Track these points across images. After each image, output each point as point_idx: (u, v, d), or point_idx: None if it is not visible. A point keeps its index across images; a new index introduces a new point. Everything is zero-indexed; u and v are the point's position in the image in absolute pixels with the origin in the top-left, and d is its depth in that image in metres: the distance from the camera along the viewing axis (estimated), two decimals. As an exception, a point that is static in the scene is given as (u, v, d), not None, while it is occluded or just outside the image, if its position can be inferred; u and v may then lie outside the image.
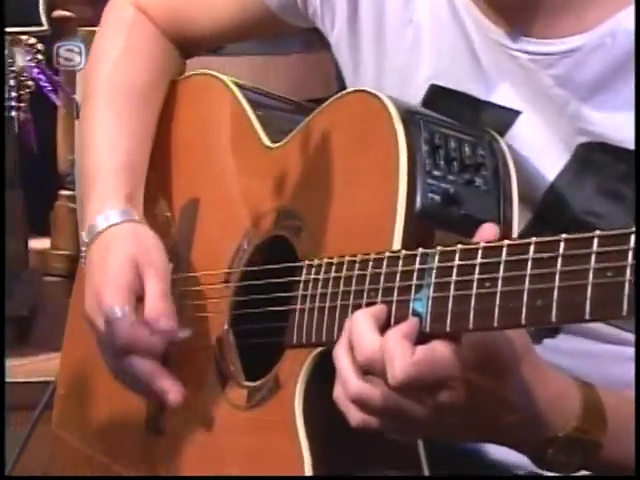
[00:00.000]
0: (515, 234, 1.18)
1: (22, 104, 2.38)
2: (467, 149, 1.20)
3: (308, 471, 1.17)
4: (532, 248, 0.97)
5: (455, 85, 1.27)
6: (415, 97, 1.28)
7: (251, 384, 1.28)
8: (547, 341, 1.24)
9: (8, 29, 1.15)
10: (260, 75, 1.84)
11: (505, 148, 1.22)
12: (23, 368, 2.28)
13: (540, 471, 1.15)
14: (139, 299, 1.34)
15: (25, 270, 2.66)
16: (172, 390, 1.31)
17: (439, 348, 1.02)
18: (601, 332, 1.22)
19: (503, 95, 1.25)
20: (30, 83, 2.37)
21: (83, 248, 1.42)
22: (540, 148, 1.24)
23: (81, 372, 1.49)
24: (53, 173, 2.88)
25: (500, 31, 1.23)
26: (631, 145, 1.19)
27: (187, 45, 1.52)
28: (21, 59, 2.25)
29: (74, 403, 1.52)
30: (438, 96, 1.28)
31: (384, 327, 1.06)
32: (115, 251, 1.37)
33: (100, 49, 1.55)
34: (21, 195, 2.65)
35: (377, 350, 1.04)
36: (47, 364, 2.21)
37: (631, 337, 1.21)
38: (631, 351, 1.21)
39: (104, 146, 1.47)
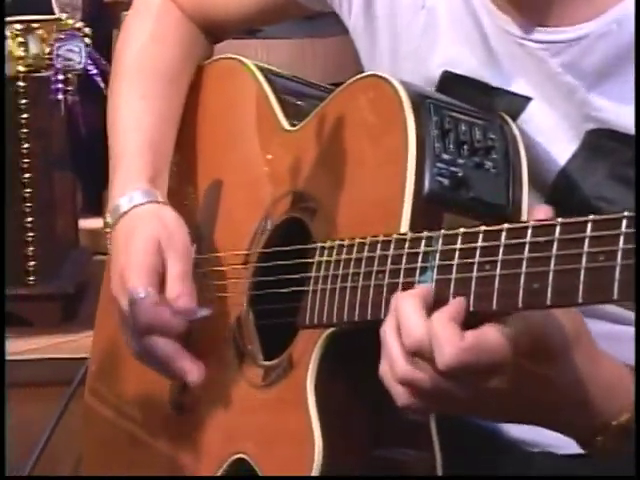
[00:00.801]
0: (524, 217, 1.16)
1: (69, 87, 2.40)
2: (478, 133, 1.19)
3: (318, 448, 1.17)
4: (529, 232, 0.96)
5: (468, 72, 1.27)
6: (429, 82, 1.28)
7: (267, 363, 1.28)
8: None
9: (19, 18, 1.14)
10: (298, 58, 1.83)
11: (517, 132, 1.22)
12: (68, 345, 2.29)
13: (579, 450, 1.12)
14: (162, 280, 1.34)
15: (74, 249, 2.68)
16: (192, 370, 1.31)
17: (491, 333, 0.99)
18: (619, 314, 1.21)
19: (514, 82, 1.25)
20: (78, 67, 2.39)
21: (107, 230, 1.42)
22: (550, 134, 1.24)
23: (111, 349, 1.50)
24: (105, 154, 2.91)
25: (510, 20, 1.23)
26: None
27: (213, 30, 1.53)
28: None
29: (104, 378, 1.53)
30: (451, 82, 1.28)
31: (430, 308, 1.03)
32: (139, 232, 1.37)
33: (129, 32, 1.55)
34: (70, 176, 2.67)
35: (424, 334, 1.01)
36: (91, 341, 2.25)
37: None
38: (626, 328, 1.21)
39: (129, 127, 1.47)
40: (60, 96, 2.35)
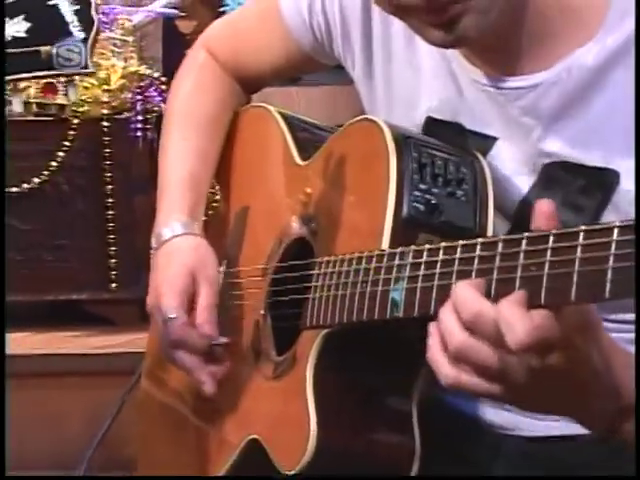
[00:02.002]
0: None
1: (149, 125, 2.42)
2: (451, 167, 1.19)
3: (313, 431, 1.17)
4: (478, 247, 0.97)
5: (446, 117, 1.26)
6: (416, 125, 1.28)
7: (277, 359, 1.29)
8: None
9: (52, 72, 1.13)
10: (330, 102, 1.82)
11: (485, 166, 1.21)
12: (143, 341, 2.31)
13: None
14: (192, 302, 1.35)
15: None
16: (207, 383, 1.33)
17: (547, 315, 0.92)
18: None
19: (483, 124, 1.24)
20: (157, 108, 2.41)
21: (152, 251, 1.42)
22: (513, 168, 1.22)
23: (158, 347, 1.49)
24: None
25: (478, 71, 1.22)
26: (587, 162, 1.17)
27: (247, 82, 1.52)
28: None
29: (154, 369, 1.53)
30: (433, 126, 1.27)
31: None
32: (176, 260, 1.38)
33: (178, 83, 1.56)
34: (149, 199, 2.67)
35: (484, 310, 0.93)
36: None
37: (611, 325, 1.14)
38: (629, 336, 1.16)
39: (173, 165, 1.47)
40: (139, 133, 2.38)
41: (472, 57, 1.22)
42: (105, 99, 2.39)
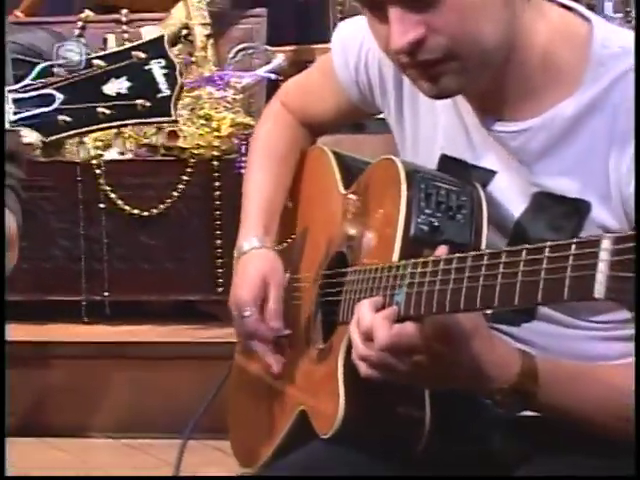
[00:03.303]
0: None
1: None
2: (453, 196, 1.17)
3: (341, 405, 1.16)
4: (455, 260, 0.99)
5: (455, 154, 1.24)
6: (434, 161, 1.26)
7: (320, 346, 1.28)
8: (525, 325, 1.19)
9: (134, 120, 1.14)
10: (387, 147, 1.81)
11: (482, 195, 1.19)
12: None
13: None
14: (263, 300, 1.36)
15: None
16: (273, 364, 1.35)
17: (409, 326, 1.03)
18: (561, 319, 1.17)
19: (485, 160, 1.22)
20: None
21: (234, 261, 1.44)
22: (509, 196, 1.20)
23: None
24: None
25: (481, 116, 1.20)
26: (566, 193, 1.15)
27: (312, 127, 1.51)
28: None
29: (242, 354, 1.52)
30: (445, 162, 1.25)
31: (378, 311, 1.06)
32: (252, 267, 1.39)
33: (258, 128, 1.56)
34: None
35: (370, 325, 1.04)
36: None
37: (584, 324, 1.17)
38: (583, 333, 1.17)
39: (253, 192, 1.48)
40: (242, 170, 2.39)
41: (473, 103, 1.20)
42: (216, 144, 2.41)
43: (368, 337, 1.05)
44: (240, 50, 2.74)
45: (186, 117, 2.38)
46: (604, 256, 0.81)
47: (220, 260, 2.42)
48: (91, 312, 2.47)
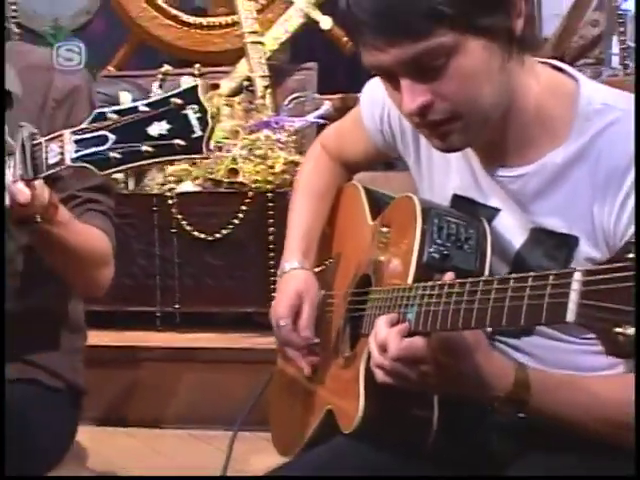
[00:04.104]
0: None
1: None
2: (461, 229, 1.17)
3: (361, 405, 1.16)
4: (481, 285, 0.98)
5: (464, 193, 1.24)
6: (447, 200, 1.26)
7: (347, 354, 1.28)
8: (525, 338, 1.19)
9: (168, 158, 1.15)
10: (414, 185, 1.79)
11: (487, 229, 1.19)
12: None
13: None
14: (297, 314, 1.38)
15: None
16: (305, 368, 1.37)
17: (417, 339, 1.03)
18: (556, 335, 1.17)
19: (490, 200, 1.21)
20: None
21: (277, 279, 1.45)
22: (511, 230, 1.20)
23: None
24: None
25: (486, 162, 1.20)
26: (557, 229, 1.15)
27: (347, 166, 1.51)
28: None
29: (281, 359, 1.51)
30: (456, 200, 1.25)
31: (394, 325, 1.07)
32: (291, 285, 1.40)
33: (302, 167, 1.57)
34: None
35: (385, 338, 1.05)
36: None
37: (575, 339, 1.16)
38: (575, 347, 1.16)
39: (295, 221, 1.49)
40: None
41: (478, 152, 1.20)
42: (270, 179, 2.42)
43: (383, 348, 1.06)
44: (294, 98, 2.75)
45: (245, 156, 2.40)
46: (575, 286, 0.82)
47: (272, 278, 2.34)
48: (164, 321, 2.49)
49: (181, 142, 1.09)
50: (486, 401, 1.08)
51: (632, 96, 1.13)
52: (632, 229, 1.06)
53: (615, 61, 2.70)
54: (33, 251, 1.42)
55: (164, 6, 3.10)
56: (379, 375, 1.08)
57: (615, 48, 2.65)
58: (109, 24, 3.50)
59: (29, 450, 1.49)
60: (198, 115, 1.09)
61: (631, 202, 1.06)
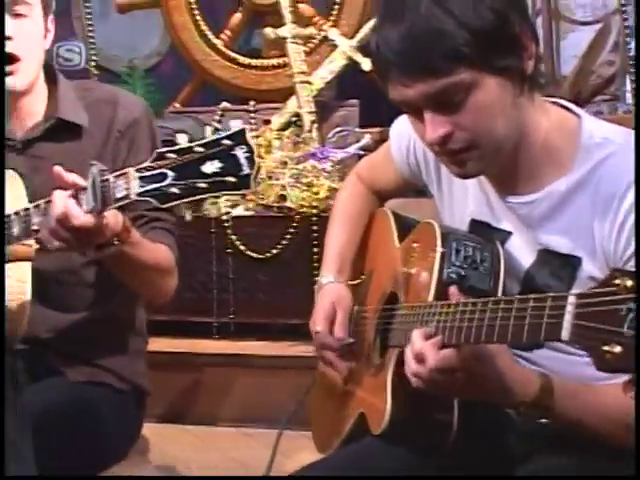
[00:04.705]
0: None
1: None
2: (477, 252, 1.18)
3: (388, 409, 1.17)
4: (490, 304, 0.98)
5: (481, 218, 1.25)
6: (465, 224, 1.27)
7: (376, 363, 1.29)
8: (536, 351, 1.19)
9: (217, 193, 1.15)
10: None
11: (500, 251, 1.19)
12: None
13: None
14: (332, 321, 1.39)
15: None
16: (341, 371, 1.37)
17: (451, 351, 1.03)
18: (564, 348, 1.14)
19: (503, 224, 1.22)
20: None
21: (315, 292, 1.46)
22: (521, 252, 1.20)
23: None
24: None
25: (499, 190, 1.21)
26: (562, 250, 1.15)
27: (379, 194, 1.52)
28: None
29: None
30: (473, 225, 1.26)
31: (429, 338, 1.06)
32: (327, 297, 1.42)
33: (339, 194, 1.58)
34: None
35: (420, 349, 1.05)
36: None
37: (580, 352, 1.13)
38: (580, 359, 1.10)
39: (332, 241, 1.50)
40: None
41: (492, 181, 1.21)
42: (315, 204, 2.42)
43: (419, 359, 1.05)
44: (337, 132, 2.76)
45: (293, 184, 2.42)
46: (569, 308, 0.84)
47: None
48: (220, 330, 2.50)
49: (232, 179, 1.13)
50: (511, 406, 1.09)
51: (629, 131, 1.14)
52: (630, 250, 1.07)
53: (629, 97, 2.68)
54: (103, 265, 1.46)
55: (223, 49, 3.15)
56: (415, 382, 1.07)
57: (629, 86, 2.63)
58: (177, 65, 3.56)
59: (98, 445, 1.53)
60: (246, 155, 1.13)
61: (628, 225, 1.07)
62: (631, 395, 0.80)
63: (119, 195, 1.19)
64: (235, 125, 1.16)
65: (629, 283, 0.74)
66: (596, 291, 0.79)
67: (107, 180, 1.21)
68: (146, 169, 1.16)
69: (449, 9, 1.03)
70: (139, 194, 1.16)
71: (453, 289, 1.07)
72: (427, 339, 1.05)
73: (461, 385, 1.04)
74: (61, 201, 1.23)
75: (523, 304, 0.91)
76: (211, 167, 1.13)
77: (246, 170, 1.13)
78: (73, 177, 1.25)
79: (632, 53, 2.43)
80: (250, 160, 1.13)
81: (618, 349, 0.76)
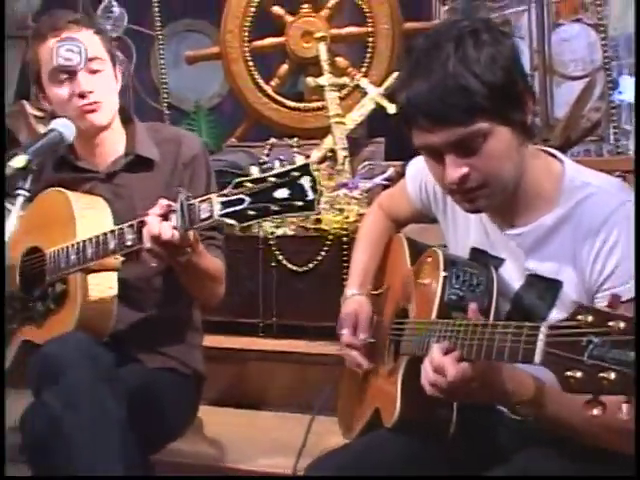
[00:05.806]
0: (491, 317, 1.16)
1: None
2: (474, 277, 1.18)
3: (397, 408, 1.18)
4: (481, 328, 1.00)
5: (480, 247, 1.25)
6: (467, 252, 1.27)
7: (390, 367, 1.30)
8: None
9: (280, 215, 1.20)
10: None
11: (494, 275, 1.19)
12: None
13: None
14: (355, 326, 1.40)
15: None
16: (361, 365, 1.37)
17: (468, 364, 1.02)
18: None
19: (498, 252, 1.22)
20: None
21: (342, 302, 1.47)
22: (512, 276, 1.20)
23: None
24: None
25: (496, 222, 1.21)
26: (546, 275, 1.14)
27: (396, 222, 1.52)
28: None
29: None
30: (474, 252, 1.26)
31: (448, 353, 1.05)
32: (351, 306, 1.43)
33: (363, 220, 1.59)
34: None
35: (440, 362, 1.03)
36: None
37: None
38: None
39: (356, 260, 1.51)
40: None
41: (490, 215, 1.21)
42: (345, 226, 2.42)
43: (439, 370, 1.04)
44: (366, 165, 2.78)
45: (327, 209, 2.43)
46: (542, 337, 0.85)
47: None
48: (264, 330, 2.50)
49: (299, 203, 1.18)
50: (509, 405, 1.08)
51: (604, 175, 1.15)
52: (602, 276, 1.07)
53: (612, 139, 2.66)
54: (170, 274, 1.51)
55: (272, 94, 3.20)
56: (430, 390, 1.06)
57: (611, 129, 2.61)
58: (234, 106, 3.62)
59: (168, 421, 1.60)
60: (311, 184, 1.18)
61: (600, 258, 1.07)
62: (592, 413, 0.80)
63: (203, 216, 1.26)
64: (300, 159, 1.19)
65: (590, 318, 0.75)
66: (563, 324, 0.80)
67: (193, 204, 1.27)
68: (226, 195, 1.22)
69: (472, 69, 1.04)
70: (221, 215, 1.22)
71: (473, 306, 1.06)
72: (446, 353, 1.04)
73: (473, 393, 1.04)
74: (155, 223, 1.30)
75: (505, 329, 0.92)
76: (281, 193, 1.18)
77: (311, 196, 1.17)
78: (167, 202, 1.33)
79: (614, 104, 2.43)
80: (314, 188, 1.17)
81: (579, 374, 0.76)
